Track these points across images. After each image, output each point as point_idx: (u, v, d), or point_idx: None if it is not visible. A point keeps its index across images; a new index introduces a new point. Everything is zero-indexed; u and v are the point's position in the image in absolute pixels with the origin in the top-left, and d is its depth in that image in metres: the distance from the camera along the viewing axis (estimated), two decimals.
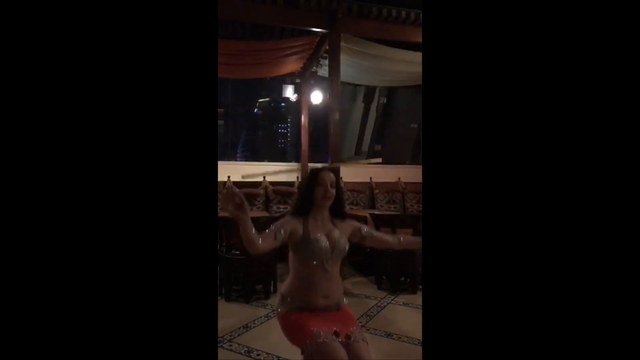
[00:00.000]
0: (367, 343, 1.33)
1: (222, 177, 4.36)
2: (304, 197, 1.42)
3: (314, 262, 1.36)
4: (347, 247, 1.43)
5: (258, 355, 1.96)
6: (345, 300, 1.46)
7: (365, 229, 1.51)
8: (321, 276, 1.36)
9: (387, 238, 1.56)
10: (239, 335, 2.20)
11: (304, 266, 1.38)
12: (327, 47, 3.98)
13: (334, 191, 1.40)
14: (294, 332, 1.36)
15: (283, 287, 1.44)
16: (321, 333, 1.25)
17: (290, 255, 1.42)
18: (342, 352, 1.24)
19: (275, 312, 1.45)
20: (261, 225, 3.03)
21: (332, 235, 1.40)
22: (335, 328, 1.29)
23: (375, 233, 1.56)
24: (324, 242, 1.37)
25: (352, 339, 1.29)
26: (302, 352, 1.29)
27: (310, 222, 1.40)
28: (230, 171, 4.48)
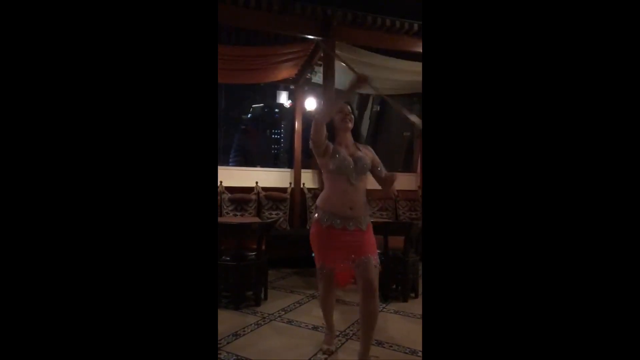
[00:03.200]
0: (379, 269, 1.71)
1: None
2: (329, 126, 1.69)
3: (341, 176, 1.68)
4: (369, 165, 1.76)
5: None
6: (369, 220, 1.78)
7: (381, 166, 1.84)
8: (346, 188, 1.69)
9: (380, 180, 1.83)
10: (228, 343, 2.17)
11: (333, 180, 1.71)
12: (322, 54, 4.00)
13: (352, 116, 1.76)
14: (318, 248, 1.75)
15: (319, 199, 1.79)
16: (334, 265, 1.72)
17: (324, 173, 1.76)
18: (333, 281, 1.82)
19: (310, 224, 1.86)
20: (252, 231, 3.01)
21: (355, 155, 1.74)
22: (352, 254, 1.67)
23: (384, 175, 1.82)
24: (348, 158, 1.71)
25: (364, 260, 1.66)
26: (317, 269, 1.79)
27: (336, 145, 1.74)
28: (223, 176, 4.45)
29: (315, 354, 2.03)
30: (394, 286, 3.17)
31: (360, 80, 1.56)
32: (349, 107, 1.77)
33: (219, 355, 2.00)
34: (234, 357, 1.98)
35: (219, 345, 2.11)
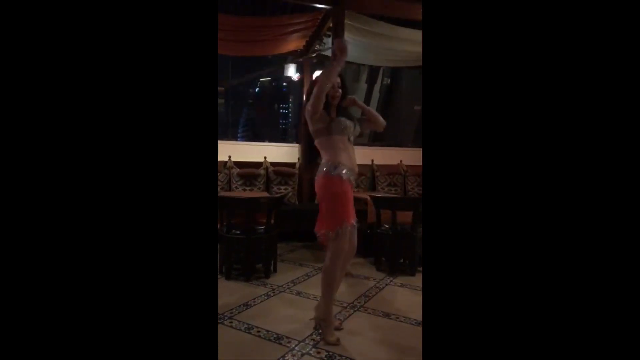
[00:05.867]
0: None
1: (222, 157, 4.34)
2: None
3: (343, 136, 1.88)
4: (359, 127, 2.00)
5: (258, 332, 1.99)
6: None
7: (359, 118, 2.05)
8: (348, 146, 1.90)
9: (369, 122, 2.06)
10: (239, 312, 2.24)
11: (336, 141, 1.87)
12: (331, 25, 3.87)
13: (340, 91, 1.93)
14: (339, 208, 1.82)
15: (324, 159, 1.89)
16: (354, 223, 1.85)
17: (321, 139, 1.90)
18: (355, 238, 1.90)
19: (317, 175, 1.90)
20: (262, 206, 3.04)
21: (351, 119, 1.96)
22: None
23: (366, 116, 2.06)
24: (349, 122, 1.92)
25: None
26: (338, 228, 1.80)
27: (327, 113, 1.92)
28: (231, 151, 4.46)
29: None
30: (402, 260, 3.21)
31: (340, 45, 1.77)
32: (338, 79, 1.91)
33: (230, 324, 2.07)
34: (245, 326, 2.05)
35: (230, 315, 2.19)
